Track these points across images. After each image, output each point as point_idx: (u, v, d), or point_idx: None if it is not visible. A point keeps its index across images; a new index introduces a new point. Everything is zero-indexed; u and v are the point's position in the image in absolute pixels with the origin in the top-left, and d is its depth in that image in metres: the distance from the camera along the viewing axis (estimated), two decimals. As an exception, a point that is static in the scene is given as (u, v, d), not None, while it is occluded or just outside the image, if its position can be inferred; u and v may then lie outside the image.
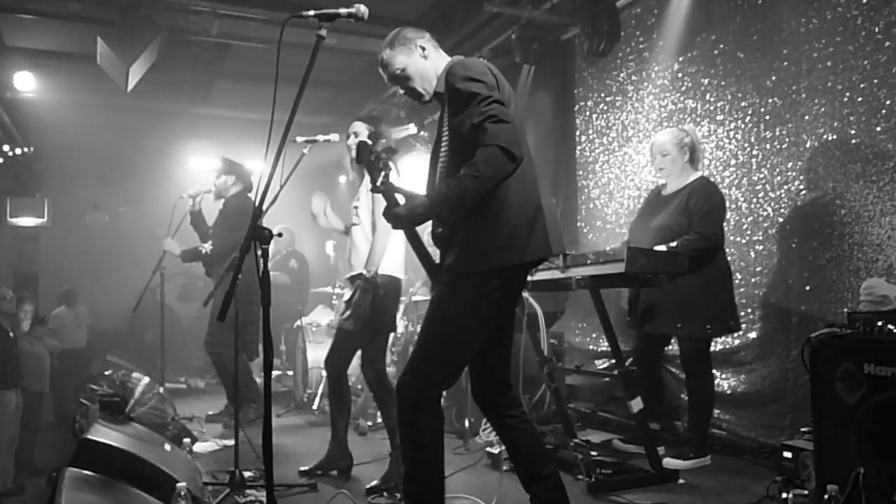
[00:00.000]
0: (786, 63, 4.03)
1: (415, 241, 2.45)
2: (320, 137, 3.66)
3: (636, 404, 3.42)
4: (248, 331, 5.10)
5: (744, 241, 4.28)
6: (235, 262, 2.30)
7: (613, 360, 3.57)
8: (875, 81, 3.56)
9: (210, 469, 3.78)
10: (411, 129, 7.40)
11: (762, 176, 4.19)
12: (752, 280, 4.23)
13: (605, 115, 5.46)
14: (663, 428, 4.16)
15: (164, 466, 2.86)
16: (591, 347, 5.46)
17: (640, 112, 5.08)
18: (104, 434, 2.89)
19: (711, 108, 4.52)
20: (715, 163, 4.47)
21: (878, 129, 3.55)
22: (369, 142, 2.85)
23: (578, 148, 5.71)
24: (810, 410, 2.72)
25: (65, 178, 9.08)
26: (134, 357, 7.27)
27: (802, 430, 3.20)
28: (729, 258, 3.91)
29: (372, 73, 7.29)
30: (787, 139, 4.03)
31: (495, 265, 2.32)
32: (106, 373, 4.45)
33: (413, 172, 5.93)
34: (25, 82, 6.74)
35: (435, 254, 2.51)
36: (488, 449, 3.86)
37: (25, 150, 8.50)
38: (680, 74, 4.75)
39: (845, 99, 3.70)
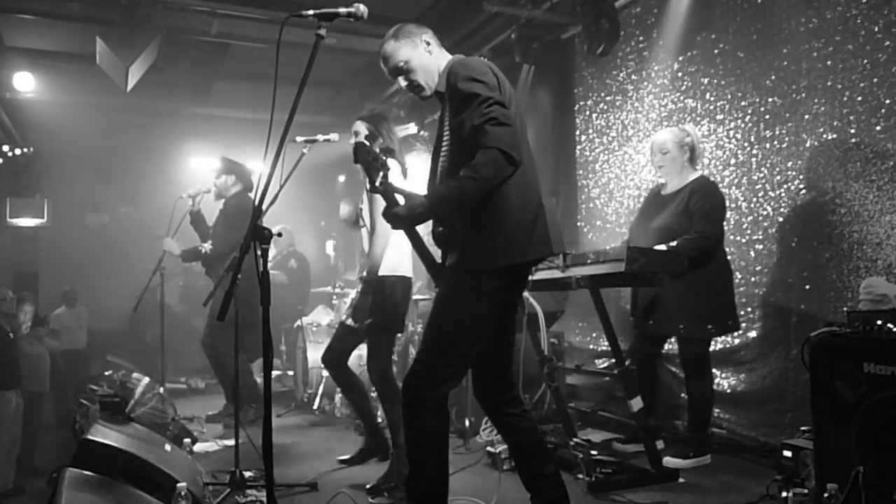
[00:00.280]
0: (785, 62, 4.03)
1: (416, 241, 2.45)
2: (320, 137, 3.66)
3: (636, 403, 3.42)
4: (249, 332, 5.10)
5: (744, 241, 4.28)
6: (235, 261, 2.30)
7: (613, 360, 3.57)
8: (875, 81, 3.56)
9: (210, 469, 3.78)
10: (411, 128, 7.39)
11: (762, 175, 4.18)
12: (752, 279, 4.23)
13: (604, 115, 5.45)
14: (663, 427, 4.16)
15: (164, 467, 2.86)
16: (591, 347, 5.46)
17: (640, 111, 5.08)
18: (104, 434, 2.89)
19: (711, 107, 4.52)
20: (715, 162, 4.47)
21: (878, 128, 3.55)
22: (366, 142, 2.85)
23: (578, 147, 5.71)
24: (810, 409, 2.71)
25: (64, 179, 9.09)
26: (134, 357, 7.27)
27: (802, 428, 3.20)
28: (729, 257, 3.91)
29: (372, 72, 7.34)
30: (786, 138, 4.03)
31: (498, 264, 2.32)
32: (106, 373, 4.45)
33: (413, 172, 5.92)
34: (25, 82, 6.73)
35: (436, 253, 2.51)
36: (488, 449, 3.86)
37: (25, 150, 8.50)
38: (680, 74, 4.75)
39: (845, 98, 3.70)
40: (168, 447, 3.27)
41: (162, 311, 5.61)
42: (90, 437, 2.84)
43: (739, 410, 4.18)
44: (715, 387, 4.05)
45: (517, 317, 2.63)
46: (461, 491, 3.29)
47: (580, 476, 3.38)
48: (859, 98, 3.64)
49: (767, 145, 4.15)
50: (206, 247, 5.27)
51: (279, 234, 2.27)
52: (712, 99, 4.51)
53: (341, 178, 9.73)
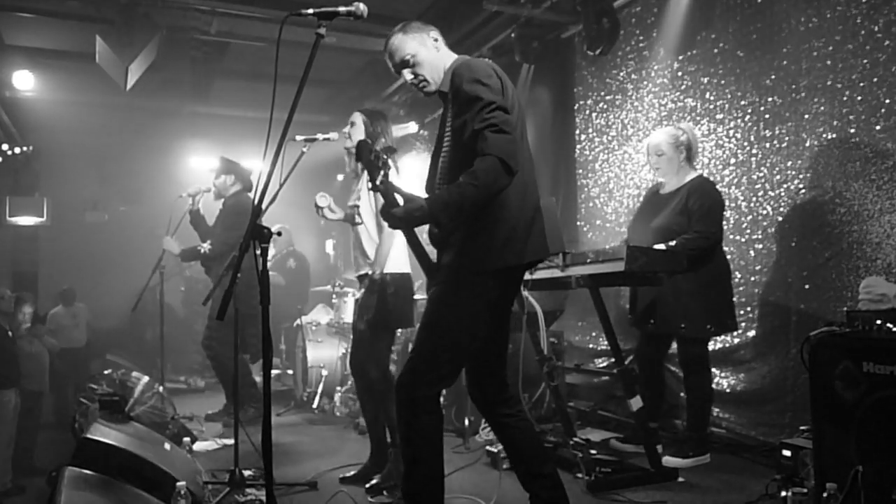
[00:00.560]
0: (785, 62, 4.03)
1: (412, 240, 2.45)
2: (319, 136, 3.65)
3: (635, 403, 3.42)
4: (249, 331, 5.10)
5: (743, 240, 4.28)
6: (235, 261, 2.30)
7: (613, 359, 3.57)
8: (874, 80, 3.56)
9: (210, 468, 3.77)
10: (411, 127, 7.39)
11: (762, 175, 4.19)
12: (752, 279, 4.23)
13: (604, 114, 5.45)
14: (663, 427, 4.16)
15: (163, 465, 2.86)
16: (590, 346, 5.46)
17: (640, 111, 5.07)
18: (104, 433, 2.89)
19: (711, 106, 4.52)
20: (714, 161, 4.47)
21: (878, 127, 3.55)
22: (369, 141, 2.84)
23: (578, 147, 5.71)
24: (809, 409, 2.72)
25: (64, 178, 9.07)
26: (134, 356, 7.28)
27: (801, 428, 3.20)
28: (728, 257, 3.91)
29: (371, 71, 7.35)
30: (786, 138, 4.03)
31: (494, 266, 2.32)
32: (105, 372, 4.44)
33: (413, 172, 5.92)
34: (24, 81, 6.73)
35: (432, 253, 2.51)
36: (488, 448, 3.86)
37: (24, 149, 8.48)
38: (679, 73, 4.75)
39: (845, 98, 3.70)
40: (167, 446, 3.27)
41: (161, 310, 5.61)
42: (90, 435, 2.84)
43: (739, 410, 4.18)
44: (714, 386, 4.05)
45: (517, 315, 2.63)
46: (461, 490, 3.29)
47: (579, 475, 3.38)
48: (859, 98, 3.63)
49: (767, 145, 4.15)
50: (206, 246, 5.27)
51: (279, 234, 2.27)
52: (712, 98, 4.51)
53: (340, 178, 9.72)
